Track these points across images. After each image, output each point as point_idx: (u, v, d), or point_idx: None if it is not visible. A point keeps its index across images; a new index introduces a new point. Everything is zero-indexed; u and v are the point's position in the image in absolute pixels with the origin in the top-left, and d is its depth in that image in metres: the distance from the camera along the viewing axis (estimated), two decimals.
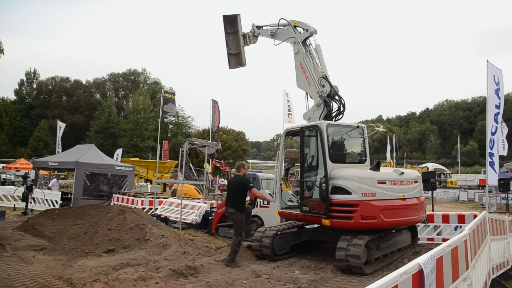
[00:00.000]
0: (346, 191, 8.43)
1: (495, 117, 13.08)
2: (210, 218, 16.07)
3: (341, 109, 10.34)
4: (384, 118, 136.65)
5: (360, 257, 7.78)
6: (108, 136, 77.63)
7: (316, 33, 10.91)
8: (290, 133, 10.54)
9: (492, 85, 13.02)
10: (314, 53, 10.79)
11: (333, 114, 10.28)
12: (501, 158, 33.42)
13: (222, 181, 41.95)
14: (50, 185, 22.87)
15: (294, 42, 11.00)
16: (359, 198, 8.23)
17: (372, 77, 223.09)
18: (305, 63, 10.66)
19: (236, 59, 12.76)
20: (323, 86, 10.27)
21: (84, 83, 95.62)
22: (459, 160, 68.84)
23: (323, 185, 8.65)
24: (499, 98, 13.21)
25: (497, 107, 13.14)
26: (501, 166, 39.28)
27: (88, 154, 20.41)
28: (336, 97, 10.35)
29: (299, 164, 10.05)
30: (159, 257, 9.15)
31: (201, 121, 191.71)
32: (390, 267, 8.47)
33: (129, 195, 19.76)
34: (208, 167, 31.14)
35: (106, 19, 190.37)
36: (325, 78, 10.33)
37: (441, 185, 47.80)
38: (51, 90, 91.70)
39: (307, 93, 10.78)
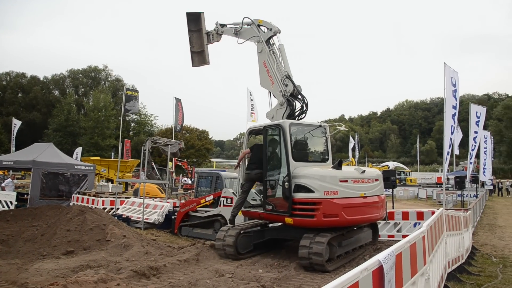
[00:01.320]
0: (308, 190, 8.48)
1: (453, 117, 13.59)
2: (173, 217, 15.93)
3: (304, 108, 10.44)
4: (347, 117, 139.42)
5: (322, 255, 7.87)
6: (68, 134, 75.29)
7: (279, 33, 10.96)
8: (253, 132, 10.51)
9: (449, 86, 13.52)
10: (277, 52, 10.83)
11: (296, 113, 10.36)
12: (457, 157, 34.82)
13: (185, 180, 41.56)
14: (3, 184, 21.97)
15: (257, 41, 11.00)
16: (321, 196, 8.31)
17: (335, 77, 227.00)
18: (268, 62, 10.68)
19: (199, 57, 12.64)
20: (286, 85, 10.33)
21: (41, 79, 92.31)
22: (418, 159, 71.13)
23: (286, 183, 8.69)
24: (456, 99, 13.72)
25: (454, 107, 13.66)
26: (457, 164, 40.84)
27: (45, 153, 19.72)
28: (299, 96, 10.43)
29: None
30: (120, 258, 8.95)
31: (164, 119, 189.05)
32: (352, 264, 8.61)
33: (89, 195, 19.31)
34: (170, 165, 30.87)
35: (66, 13, 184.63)
36: (288, 77, 10.40)
37: (401, 183, 49.20)
38: (6, 86, 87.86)
39: (270, 92, 10.81)
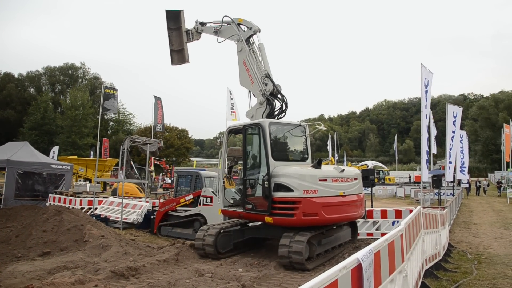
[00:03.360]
0: (288, 189, 8.50)
1: (425, 117, 13.83)
2: (152, 217, 15.79)
3: (284, 107, 10.48)
4: (326, 117, 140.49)
5: (302, 253, 7.90)
6: (44, 133, 73.62)
7: (259, 32, 10.99)
8: (233, 131, 10.45)
9: (423, 88, 13.77)
10: (257, 51, 10.85)
11: (276, 112, 10.39)
12: (434, 156, 35.37)
13: (165, 179, 41.13)
14: None
15: (237, 40, 11.01)
16: (301, 195, 8.33)
17: (315, 76, 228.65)
18: (248, 61, 10.70)
19: (179, 55, 12.56)
20: (266, 84, 10.36)
21: (16, 76, 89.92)
22: (397, 158, 72.14)
23: (266, 182, 8.70)
24: (426, 100, 13.99)
25: (426, 108, 13.93)
26: (434, 163, 41.57)
27: (21, 151, 19.30)
28: (279, 96, 10.47)
29: (242, 162, 10.05)
30: (98, 258, 8.83)
31: (142, 118, 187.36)
32: (332, 262, 8.68)
33: (66, 195, 18.99)
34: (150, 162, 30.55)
35: (42, 9, 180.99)
36: (268, 76, 10.43)
37: (380, 182, 49.94)
38: None
39: (250, 91, 10.83)
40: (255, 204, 9.01)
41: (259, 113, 10.30)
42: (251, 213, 9.13)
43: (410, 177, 57.76)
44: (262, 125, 9.15)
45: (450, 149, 19.22)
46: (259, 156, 9.31)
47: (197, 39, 12.32)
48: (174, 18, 12.37)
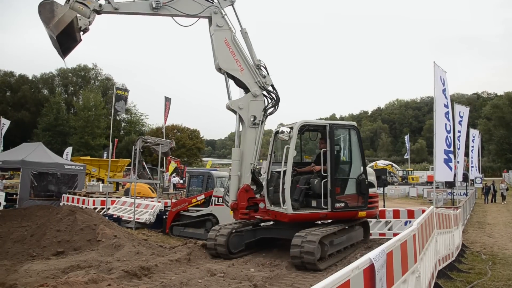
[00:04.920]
0: (372, 185, 9.78)
1: (447, 115, 13.64)
2: (164, 217, 15.87)
3: (277, 100, 10.21)
4: (338, 116, 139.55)
5: (314, 254, 7.87)
6: (57, 133, 74.45)
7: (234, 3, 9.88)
8: (306, 128, 9.64)
9: (439, 85, 13.58)
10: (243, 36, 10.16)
11: (268, 106, 10.22)
12: None
13: (177, 179, 41.07)
14: None
15: (214, 12, 9.81)
16: (377, 190, 10.33)
17: (326, 75, 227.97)
18: (233, 42, 9.87)
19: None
20: (264, 77, 10.05)
21: (30, 78, 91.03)
22: (409, 157, 71.55)
23: (366, 180, 9.37)
24: (446, 97, 13.79)
25: (446, 106, 13.73)
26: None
27: (35, 152, 19.56)
28: (270, 88, 10.18)
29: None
30: (111, 258, 8.89)
31: (154, 118, 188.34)
32: (344, 262, 8.63)
33: (79, 195, 19.19)
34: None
35: None
36: (265, 67, 10.12)
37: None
38: None
39: (227, 77, 10.04)
40: (348, 202, 9.20)
41: (255, 107, 9.96)
42: (342, 211, 9.19)
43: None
44: (357, 127, 9.81)
45: (458, 149, 19.18)
46: (350, 156, 9.74)
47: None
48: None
